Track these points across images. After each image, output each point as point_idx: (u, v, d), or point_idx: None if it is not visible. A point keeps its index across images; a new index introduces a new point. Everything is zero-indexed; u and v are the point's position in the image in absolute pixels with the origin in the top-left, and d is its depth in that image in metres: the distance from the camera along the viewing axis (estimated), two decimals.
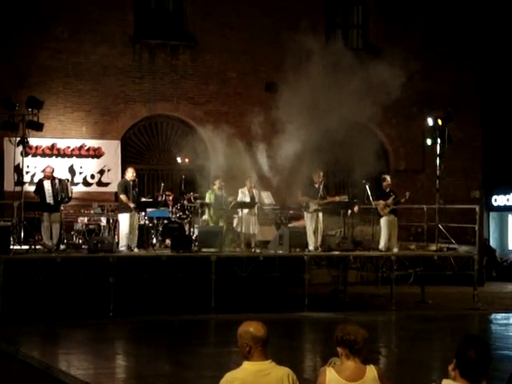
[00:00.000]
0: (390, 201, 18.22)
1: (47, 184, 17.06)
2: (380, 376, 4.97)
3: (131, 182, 17.18)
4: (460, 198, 22.70)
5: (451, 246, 18.97)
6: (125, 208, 17.01)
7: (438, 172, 19.60)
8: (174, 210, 18.82)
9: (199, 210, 18.90)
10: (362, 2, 24.17)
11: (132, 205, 16.94)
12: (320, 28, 22.15)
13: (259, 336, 4.92)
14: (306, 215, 17.88)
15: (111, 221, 18.12)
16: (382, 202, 18.20)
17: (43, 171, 18.22)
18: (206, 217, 18.71)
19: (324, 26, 22.32)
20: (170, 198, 19.36)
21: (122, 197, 17.19)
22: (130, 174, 17.36)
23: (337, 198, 18.01)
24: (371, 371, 4.95)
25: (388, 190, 18.51)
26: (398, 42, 21.38)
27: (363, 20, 24.16)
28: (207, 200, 18.33)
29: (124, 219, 17.08)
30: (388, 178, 18.94)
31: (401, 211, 19.03)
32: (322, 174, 17.98)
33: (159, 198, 19.21)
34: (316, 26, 21.98)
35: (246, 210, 18.03)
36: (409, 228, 21.46)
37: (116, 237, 17.60)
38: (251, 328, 4.96)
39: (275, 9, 22.43)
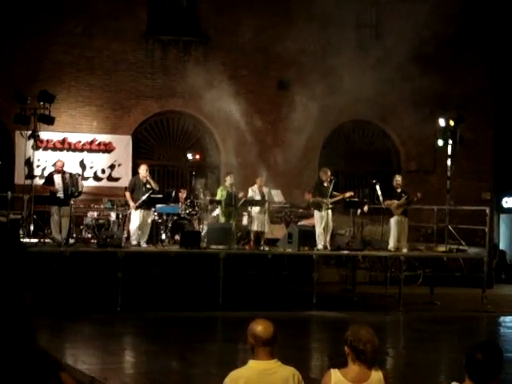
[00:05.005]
0: (402, 201, 18.17)
1: (57, 178, 17.08)
2: (385, 378, 4.95)
3: (144, 179, 17.17)
4: (470, 199, 22.60)
5: (461, 247, 18.91)
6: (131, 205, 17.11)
7: (448, 173, 19.54)
8: (183, 206, 18.84)
9: (209, 207, 18.91)
10: (375, 3, 24.10)
11: (132, 204, 16.95)
12: (331, 27, 22.08)
13: (260, 336, 4.92)
14: (316, 214, 17.85)
15: (121, 216, 18.14)
16: (395, 202, 18.15)
17: (54, 165, 18.26)
18: (216, 213, 18.72)
19: (336, 24, 22.22)
20: (184, 195, 19.37)
21: (126, 194, 17.29)
22: (142, 170, 17.35)
23: (346, 195, 17.96)
24: (377, 373, 4.92)
25: (399, 189, 18.46)
26: (411, 43, 21.27)
27: (376, 19, 24.10)
28: (219, 196, 18.32)
29: (132, 214, 17.18)
30: (398, 177, 18.88)
31: (411, 212, 18.98)
32: (329, 172, 17.92)
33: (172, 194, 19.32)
34: (328, 24, 21.92)
35: (256, 208, 18.02)
36: (418, 229, 21.40)
37: (125, 231, 17.64)
38: (256, 327, 4.96)
39: (288, 7, 22.38)
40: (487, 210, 19.04)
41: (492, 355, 4.33)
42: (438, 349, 13.57)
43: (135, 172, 19.09)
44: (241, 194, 18.21)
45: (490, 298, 18.71)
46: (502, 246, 27.20)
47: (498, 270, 25.03)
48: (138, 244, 17.00)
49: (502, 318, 17.89)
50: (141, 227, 17.04)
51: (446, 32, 22.85)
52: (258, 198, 18.18)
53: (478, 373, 4.31)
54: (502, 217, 27.93)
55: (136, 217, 17.06)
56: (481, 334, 15.87)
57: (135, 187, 17.16)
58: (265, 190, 18.46)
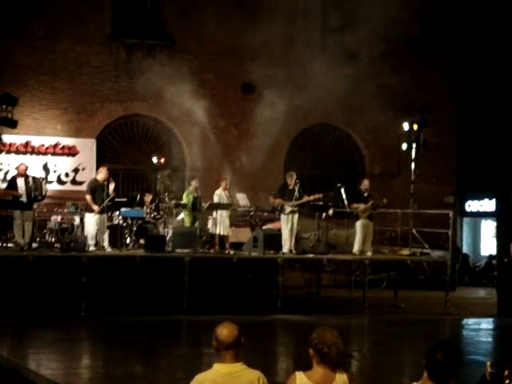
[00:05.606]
0: (369, 205, 18.25)
1: (20, 182, 16.90)
2: (350, 380, 4.96)
3: (105, 183, 16.97)
4: (434, 203, 22.81)
5: (424, 250, 19.05)
6: (90, 208, 16.87)
7: (412, 177, 19.70)
8: (148, 210, 18.77)
9: (174, 211, 18.86)
10: (340, 6, 24.19)
11: (95, 207, 16.71)
12: (297, 30, 22.17)
13: (222, 339, 4.94)
14: (282, 217, 17.86)
15: (84, 220, 17.97)
16: (362, 206, 18.21)
17: (17, 169, 18.08)
18: (181, 217, 18.67)
19: (301, 28, 22.32)
20: (149, 199, 19.25)
21: (87, 197, 16.97)
22: (103, 174, 17.14)
23: (311, 197, 17.98)
24: (341, 376, 4.94)
25: (366, 194, 18.53)
26: (375, 47, 21.45)
27: (341, 24, 24.19)
28: (184, 200, 18.25)
29: (89, 219, 16.92)
30: (366, 181, 18.98)
31: (375, 215, 19.08)
32: (295, 176, 17.94)
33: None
34: (293, 28, 22.00)
35: (221, 212, 17.98)
36: (383, 232, 21.52)
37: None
38: (220, 330, 4.97)
39: (255, 11, 22.39)
40: (450, 214, 19.22)
41: (452, 354, 4.39)
42: (402, 351, 13.66)
43: None
44: (206, 205, 18.13)
45: (454, 300, 18.89)
46: (464, 250, 27.49)
47: (461, 273, 25.30)
48: (101, 248, 16.83)
49: (465, 321, 18.05)
50: (101, 231, 16.89)
51: (410, 36, 23.06)
52: (223, 201, 18.15)
53: (438, 372, 4.36)
54: (465, 220, 28.24)
55: (95, 221, 16.82)
56: (444, 336, 15.97)
57: (96, 190, 16.92)
58: (227, 193, 18.43)
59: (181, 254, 16.82)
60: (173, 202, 18.83)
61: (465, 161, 25.33)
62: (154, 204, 19.05)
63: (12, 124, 17.58)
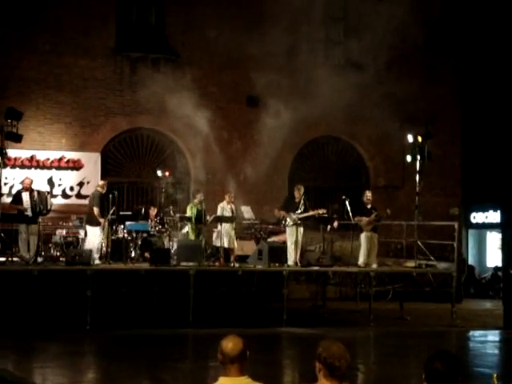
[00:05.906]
0: (372, 217, 18.22)
1: (25, 196, 16.94)
2: None
3: (110, 196, 17.11)
4: (439, 214, 22.76)
5: (430, 262, 19.00)
6: (97, 221, 16.94)
7: (417, 188, 19.67)
8: (153, 223, 18.77)
9: (179, 224, 18.86)
10: (344, 16, 24.27)
11: (102, 220, 16.84)
12: (301, 41, 22.21)
13: (227, 352, 4.94)
14: (288, 229, 17.86)
15: (87, 233, 18.00)
16: (365, 219, 18.18)
17: (22, 183, 18.11)
18: (186, 230, 18.68)
19: (305, 41, 22.36)
20: (154, 212, 19.28)
21: (96, 210, 17.08)
22: (106, 187, 17.34)
23: (314, 212, 17.95)
24: None
25: (369, 205, 18.51)
26: (380, 59, 21.48)
27: (345, 36, 24.24)
28: (188, 213, 18.26)
29: (95, 232, 16.99)
30: (369, 193, 18.94)
31: (380, 227, 19.05)
32: (302, 190, 17.98)
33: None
34: (297, 38, 22.04)
35: (225, 225, 17.98)
36: (388, 244, 21.49)
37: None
38: (225, 343, 4.97)
39: (258, 23, 22.44)
40: (456, 225, 19.16)
41: (451, 363, 4.37)
42: (408, 364, 13.59)
43: None
44: (211, 218, 18.13)
45: (459, 312, 18.82)
46: (470, 261, 27.42)
47: (466, 285, 25.23)
48: (106, 261, 16.88)
49: (471, 333, 17.98)
50: (103, 244, 16.99)
51: (414, 47, 23.09)
52: (227, 214, 18.15)
53: (438, 382, 4.34)
54: (471, 232, 28.20)
55: (97, 234, 16.92)
56: (450, 348, 15.91)
57: (103, 203, 17.08)
58: (232, 206, 18.45)
59: (186, 267, 16.80)
60: (177, 215, 18.85)
61: (470, 172, 25.31)
62: (158, 217, 19.07)
63: (17, 138, 17.60)
